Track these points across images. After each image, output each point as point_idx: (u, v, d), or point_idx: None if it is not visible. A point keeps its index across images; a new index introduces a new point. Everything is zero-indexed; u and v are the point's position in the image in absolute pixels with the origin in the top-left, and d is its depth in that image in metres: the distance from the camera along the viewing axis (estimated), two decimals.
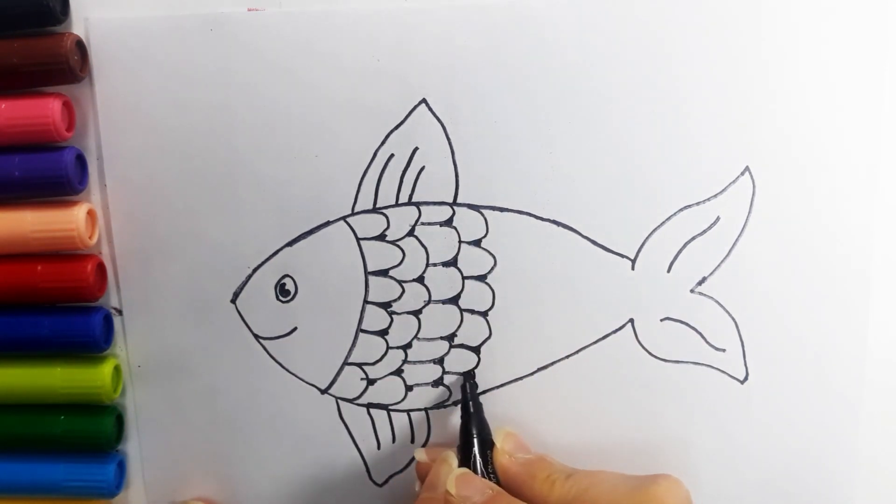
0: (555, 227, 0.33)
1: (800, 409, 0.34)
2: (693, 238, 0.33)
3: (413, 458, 0.35)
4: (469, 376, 0.34)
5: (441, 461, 0.32)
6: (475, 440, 0.32)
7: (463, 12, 0.32)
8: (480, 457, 0.32)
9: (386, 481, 0.36)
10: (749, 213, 0.33)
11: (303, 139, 0.33)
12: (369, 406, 0.35)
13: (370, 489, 0.36)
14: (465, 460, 0.32)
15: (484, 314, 0.34)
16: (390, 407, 0.35)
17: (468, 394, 0.33)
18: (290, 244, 0.34)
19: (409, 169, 0.33)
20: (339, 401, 0.35)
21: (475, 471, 0.32)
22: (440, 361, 0.35)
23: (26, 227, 0.33)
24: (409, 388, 0.35)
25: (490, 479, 0.32)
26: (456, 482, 0.30)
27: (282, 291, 0.34)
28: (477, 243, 0.34)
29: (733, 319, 0.34)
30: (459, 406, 0.34)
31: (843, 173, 0.33)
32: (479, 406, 0.33)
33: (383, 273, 0.34)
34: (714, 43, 0.32)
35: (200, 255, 0.34)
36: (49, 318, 0.34)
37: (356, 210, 0.34)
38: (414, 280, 0.34)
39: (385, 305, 0.34)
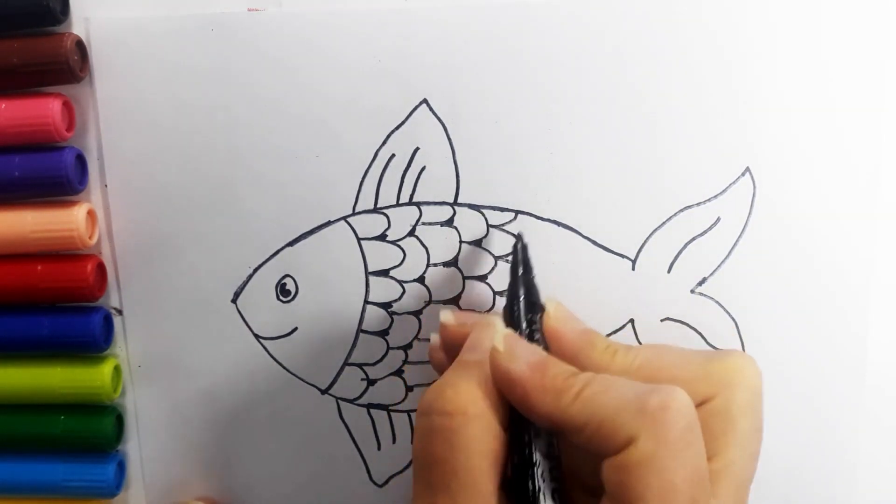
0: (555, 227, 0.33)
1: (800, 409, 0.34)
2: (693, 238, 0.33)
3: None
4: (521, 239, 0.32)
5: (485, 324, 0.30)
6: (522, 303, 0.30)
7: (464, 12, 0.32)
8: (527, 322, 0.29)
9: (386, 482, 0.36)
10: (749, 213, 0.33)
11: (303, 139, 0.33)
12: (370, 406, 0.35)
13: (370, 489, 0.36)
14: (511, 324, 0.29)
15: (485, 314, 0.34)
16: (391, 407, 0.35)
17: (518, 254, 0.31)
18: (290, 244, 0.34)
19: (410, 169, 0.33)
20: (340, 401, 0.35)
21: (521, 335, 0.29)
22: None
23: (26, 227, 0.33)
24: (409, 389, 0.35)
25: (536, 345, 0.29)
26: (505, 340, 0.27)
27: (282, 291, 0.34)
28: (478, 243, 0.34)
29: (734, 320, 0.34)
30: (509, 268, 0.32)
31: (845, 174, 0.33)
32: (529, 268, 0.31)
33: (384, 273, 0.34)
34: (715, 43, 0.32)
35: (201, 254, 0.34)
36: (49, 318, 0.34)
37: (357, 210, 0.34)
38: (414, 280, 0.34)
39: (385, 306, 0.34)
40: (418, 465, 0.27)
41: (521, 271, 0.31)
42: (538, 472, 0.26)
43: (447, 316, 0.32)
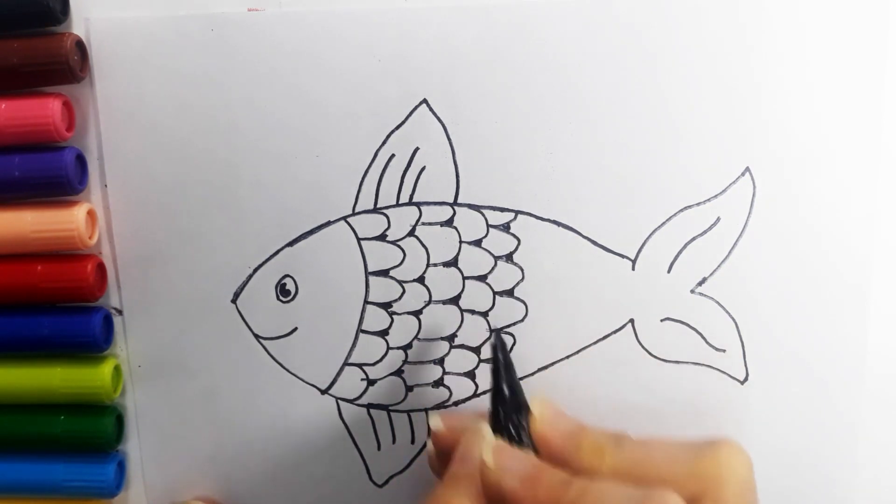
0: (555, 227, 0.33)
1: (800, 409, 0.34)
2: (693, 238, 0.33)
3: (412, 460, 0.35)
4: (499, 337, 0.31)
5: (473, 432, 0.29)
6: (508, 406, 0.30)
7: (463, 12, 0.32)
8: (514, 424, 0.29)
9: (386, 482, 0.36)
10: (749, 213, 0.33)
11: (303, 139, 0.33)
12: (369, 406, 0.35)
13: (370, 489, 0.36)
14: (497, 428, 0.29)
15: (484, 315, 0.34)
16: (390, 407, 0.35)
17: (499, 355, 0.30)
18: (290, 244, 0.34)
19: (410, 169, 0.33)
20: (340, 401, 0.35)
21: (509, 439, 0.29)
22: (440, 362, 0.35)
23: (26, 227, 0.33)
24: (409, 389, 0.35)
25: (525, 449, 0.29)
26: (494, 453, 0.27)
27: (282, 291, 0.34)
28: (477, 243, 0.34)
29: (733, 320, 0.34)
30: (490, 369, 0.31)
31: (844, 174, 0.33)
32: (510, 368, 0.30)
33: (384, 273, 0.34)
34: (715, 43, 0.32)
35: (201, 255, 0.34)
36: (49, 318, 0.34)
37: (357, 210, 0.34)
38: (414, 280, 0.34)
39: (385, 306, 0.34)
40: None
41: (502, 372, 0.30)
42: None
43: (437, 423, 0.32)
